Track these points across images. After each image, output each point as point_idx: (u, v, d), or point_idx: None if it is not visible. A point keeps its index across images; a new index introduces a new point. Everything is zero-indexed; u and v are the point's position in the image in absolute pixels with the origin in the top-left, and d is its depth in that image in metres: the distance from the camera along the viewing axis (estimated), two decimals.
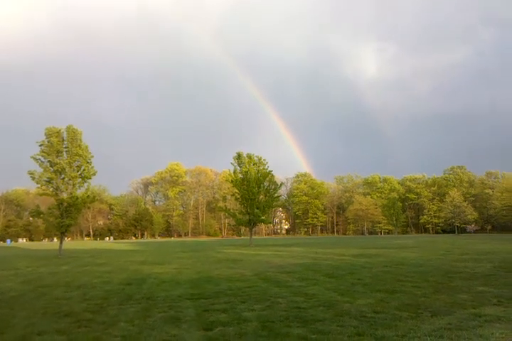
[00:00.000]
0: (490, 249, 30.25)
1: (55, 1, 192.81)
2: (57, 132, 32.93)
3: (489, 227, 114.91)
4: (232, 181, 48.33)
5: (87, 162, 33.67)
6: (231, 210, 53.27)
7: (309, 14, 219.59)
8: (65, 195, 32.78)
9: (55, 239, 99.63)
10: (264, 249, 37.30)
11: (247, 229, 56.85)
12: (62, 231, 34.34)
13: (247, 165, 47.37)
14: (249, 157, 48.04)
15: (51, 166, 32.38)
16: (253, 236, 52.10)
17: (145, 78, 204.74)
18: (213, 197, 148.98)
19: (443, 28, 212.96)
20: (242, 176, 47.20)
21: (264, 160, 48.47)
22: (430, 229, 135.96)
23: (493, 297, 9.76)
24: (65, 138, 33.21)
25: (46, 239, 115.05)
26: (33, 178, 32.17)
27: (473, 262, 18.90)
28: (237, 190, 48.04)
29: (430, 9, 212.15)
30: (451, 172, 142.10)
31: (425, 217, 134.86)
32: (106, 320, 8.26)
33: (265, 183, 48.29)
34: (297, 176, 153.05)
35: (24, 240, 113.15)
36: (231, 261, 23.63)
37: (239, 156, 48.04)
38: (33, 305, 10.24)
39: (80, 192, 33.73)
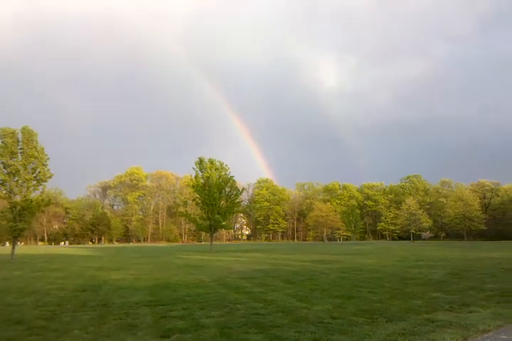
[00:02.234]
0: (443, 255, 31.25)
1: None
2: (12, 133, 31.80)
3: (443, 235, 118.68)
4: (193, 186, 47.98)
5: (43, 164, 32.67)
6: (192, 215, 52.76)
7: (274, 22, 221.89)
8: (18, 198, 31.64)
9: (8, 244, 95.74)
10: (224, 255, 37.18)
11: (208, 234, 56.47)
12: (15, 236, 33.10)
13: (209, 171, 47.19)
14: (211, 162, 47.90)
15: (4, 168, 31.22)
16: (214, 242, 51.85)
17: (105, 79, 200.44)
18: (174, 202, 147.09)
19: (401, 41, 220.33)
20: (203, 181, 46.96)
21: (226, 165, 48.46)
22: (387, 235, 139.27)
23: (446, 303, 10.08)
24: (20, 140, 32.13)
25: None
26: None
27: (428, 268, 19.48)
28: (198, 195, 47.73)
29: (390, 23, 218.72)
30: (407, 180, 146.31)
31: (382, 223, 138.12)
32: (59, 327, 8.02)
33: (227, 189, 48.20)
34: (259, 182, 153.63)
35: None
36: (191, 267, 23.43)
37: (201, 161, 47.82)
38: None
39: (34, 195, 32.66)
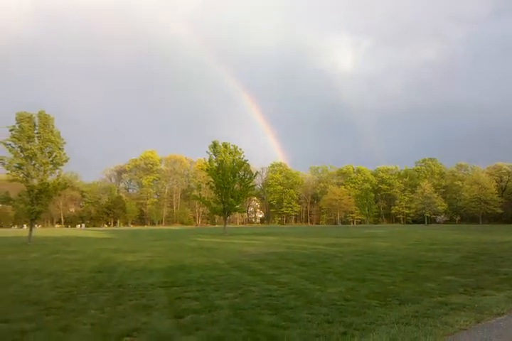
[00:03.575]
0: (458, 239, 31.06)
1: None
2: (29, 117, 32.14)
3: (458, 218, 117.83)
4: (207, 170, 48.15)
5: (59, 148, 33.03)
6: (206, 199, 53.16)
7: (286, 5, 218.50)
8: (35, 182, 32.12)
9: (25, 226, 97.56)
10: (238, 238, 37.43)
11: (222, 217, 56.85)
12: (32, 218, 33.75)
13: (223, 154, 47.23)
14: (225, 146, 47.89)
15: (22, 152, 31.63)
16: (227, 225, 52.18)
17: (120, 69, 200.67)
18: (188, 186, 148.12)
19: (416, 25, 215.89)
20: (217, 165, 47.06)
21: (239, 149, 48.44)
22: (401, 219, 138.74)
23: (460, 286, 10.03)
24: (36, 124, 32.43)
25: (16, 226, 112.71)
26: (3, 164, 31.40)
27: (442, 252, 19.39)
28: (212, 179, 47.92)
29: (406, 6, 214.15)
30: (423, 164, 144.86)
31: (396, 207, 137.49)
32: (76, 307, 8.17)
33: (240, 172, 48.29)
34: (272, 166, 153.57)
35: None
36: (205, 249, 23.64)
37: (215, 145, 47.84)
38: (2, 292, 10.04)
39: (51, 178, 33.13)
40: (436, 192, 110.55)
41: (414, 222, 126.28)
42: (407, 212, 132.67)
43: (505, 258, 16.02)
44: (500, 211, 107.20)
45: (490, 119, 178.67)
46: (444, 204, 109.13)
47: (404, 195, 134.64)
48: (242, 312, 7.62)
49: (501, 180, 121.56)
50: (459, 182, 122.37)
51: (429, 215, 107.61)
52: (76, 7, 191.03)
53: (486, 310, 7.51)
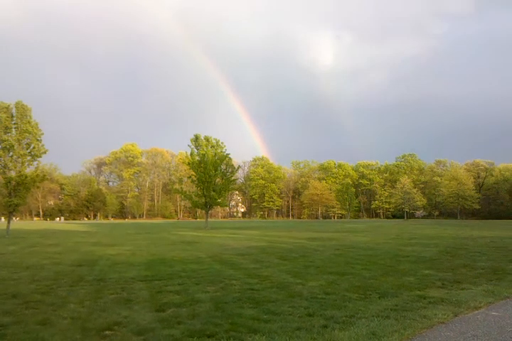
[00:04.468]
0: (436, 234, 31.60)
1: None
2: (6, 108, 31.45)
3: (436, 213, 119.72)
4: (189, 163, 47.93)
5: (37, 140, 32.40)
6: (187, 192, 52.89)
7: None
8: (13, 174, 31.50)
9: (3, 219, 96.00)
10: (219, 232, 37.45)
11: (203, 211, 56.71)
12: (10, 211, 33.15)
13: (205, 148, 47.10)
14: (207, 139, 47.75)
15: None
16: (209, 219, 52.15)
17: (100, 58, 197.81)
18: (169, 179, 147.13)
19: (398, 20, 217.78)
20: (199, 158, 46.86)
21: (221, 143, 48.35)
22: (381, 214, 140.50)
23: (438, 280, 10.22)
24: (14, 115, 31.78)
25: None
26: None
27: (421, 246, 19.70)
28: (193, 173, 47.73)
29: (387, 1, 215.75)
30: (402, 159, 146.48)
31: (377, 202, 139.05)
32: (55, 301, 8.08)
33: (222, 166, 48.17)
34: (254, 160, 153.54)
35: None
36: (186, 243, 23.59)
37: (196, 138, 47.68)
38: None
39: (29, 170, 32.52)
40: (415, 188, 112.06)
41: (394, 216, 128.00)
42: (387, 207, 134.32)
43: (482, 253, 16.35)
44: (477, 207, 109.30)
45: (470, 116, 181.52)
46: (423, 199, 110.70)
47: (384, 190, 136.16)
48: (223, 305, 7.64)
49: (479, 177, 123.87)
50: (438, 178, 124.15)
51: (408, 210, 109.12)
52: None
53: (464, 303, 7.67)
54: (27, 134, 31.78)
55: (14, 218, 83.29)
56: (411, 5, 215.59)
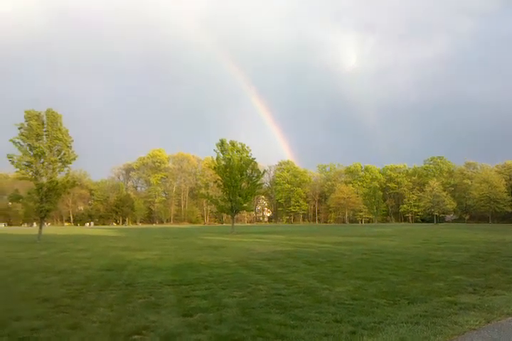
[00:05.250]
0: (467, 238, 30.87)
1: None
2: (37, 115, 32.34)
3: (467, 217, 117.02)
4: (214, 168, 48.21)
5: (68, 146, 33.22)
6: (213, 197, 53.24)
7: (295, 2, 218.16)
8: (44, 180, 32.33)
9: (35, 224, 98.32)
10: (245, 237, 37.47)
11: (229, 216, 56.91)
12: (42, 216, 33.98)
13: (230, 152, 47.24)
14: (233, 144, 47.89)
15: (30, 150, 31.85)
16: (235, 224, 52.24)
17: (129, 65, 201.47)
18: (196, 184, 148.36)
19: (422, 20, 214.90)
20: (224, 163, 47.06)
21: (247, 147, 48.38)
22: (410, 218, 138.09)
23: (469, 285, 9.97)
24: (44, 122, 32.63)
25: (25, 224, 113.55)
26: (12, 162, 31.59)
27: (451, 251, 19.28)
28: (219, 177, 47.93)
29: (411, 1, 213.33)
30: (431, 162, 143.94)
31: (405, 206, 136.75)
32: (85, 305, 8.22)
33: (248, 170, 48.23)
34: (280, 164, 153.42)
35: (3, 225, 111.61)
36: (213, 248, 23.68)
37: (222, 143, 47.85)
38: (12, 290, 10.15)
39: (60, 176, 33.32)
40: (445, 191, 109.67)
41: (423, 220, 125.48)
42: (416, 210, 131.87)
43: None
44: (509, 210, 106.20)
45: (499, 116, 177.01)
46: (453, 202, 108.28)
47: (413, 194, 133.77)
48: (250, 310, 7.63)
49: (510, 179, 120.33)
50: (468, 181, 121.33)
51: (437, 214, 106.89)
52: (85, 5, 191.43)
53: (496, 309, 7.46)
54: (57, 141, 32.60)
55: (45, 223, 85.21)
56: (435, 4, 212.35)
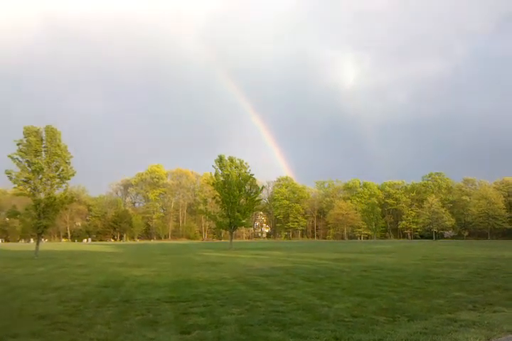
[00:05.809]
0: (466, 255, 30.75)
1: (44, 2, 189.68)
2: (36, 131, 32.42)
3: (466, 233, 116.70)
4: (213, 184, 48.23)
5: (66, 162, 33.23)
6: (212, 213, 53.13)
7: (295, 20, 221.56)
8: (42, 196, 32.25)
9: (32, 240, 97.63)
10: (244, 253, 37.27)
11: (228, 232, 56.70)
12: (39, 232, 33.78)
13: (229, 168, 47.32)
14: (231, 160, 48.01)
15: (29, 166, 31.82)
16: (233, 240, 52.00)
17: (125, 81, 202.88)
18: (194, 200, 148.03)
19: (419, 40, 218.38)
20: (223, 179, 47.11)
21: (245, 163, 48.51)
22: (408, 234, 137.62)
23: (469, 302, 9.91)
24: (43, 138, 32.71)
25: (23, 240, 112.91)
26: (10, 178, 31.50)
27: (450, 268, 19.19)
28: (218, 193, 47.92)
29: (408, 22, 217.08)
30: (429, 178, 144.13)
31: (404, 222, 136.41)
32: (82, 322, 8.15)
33: (246, 187, 48.24)
34: (278, 180, 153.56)
35: (0, 241, 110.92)
36: (211, 264, 23.54)
37: (220, 159, 47.97)
38: (8, 306, 10.06)
39: (58, 192, 33.24)
40: (443, 207, 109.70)
41: (422, 237, 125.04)
42: (415, 227, 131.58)
43: None
44: (508, 226, 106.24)
45: (497, 132, 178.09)
46: (451, 219, 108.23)
47: (412, 210, 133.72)
48: (248, 328, 7.57)
49: (509, 195, 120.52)
50: (467, 197, 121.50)
51: (436, 230, 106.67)
52: (87, 19, 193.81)
53: (496, 327, 7.39)
54: (56, 157, 32.63)
55: (43, 239, 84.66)
56: (433, 23, 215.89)
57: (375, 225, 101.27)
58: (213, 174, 48.60)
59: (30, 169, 31.84)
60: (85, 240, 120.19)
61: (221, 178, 47.31)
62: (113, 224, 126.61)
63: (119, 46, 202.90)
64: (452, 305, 9.55)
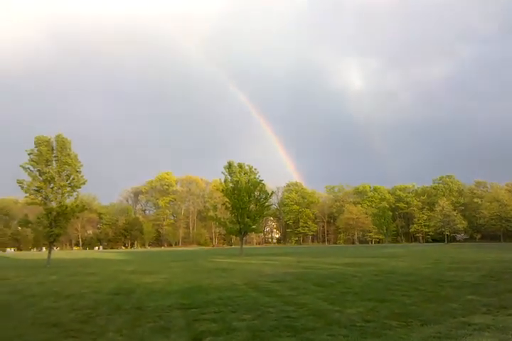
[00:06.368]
0: (479, 257, 30.41)
1: (45, 12, 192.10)
2: (47, 141, 32.75)
3: (478, 236, 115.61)
4: (222, 190, 48.21)
5: (77, 171, 33.48)
6: (222, 219, 53.05)
7: (300, 25, 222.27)
8: (54, 204, 32.51)
9: (44, 249, 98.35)
10: (254, 258, 37.19)
11: (238, 238, 56.65)
12: (51, 241, 34.04)
13: (238, 175, 47.32)
14: (240, 166, 48.01)
15: (40, 175, 32.13)
16: (244, 246, 51.91)
17: (133, 89, 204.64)
18: (204, 206, 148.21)
19: (425, 43, 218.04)
20: (232, 185, 47.09)
21: (254, 169, 48.44)
22: (420, 238, 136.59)
23: (482, 305, 9.80)
24: (54, 147, 33.02)
25: (35, 249, 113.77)
26: (22, 187, 31.84)
27: (463, 271, 18.99)
28: (227, 199, 47.91)
29: (411, 26, 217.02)
30: (440, 181, 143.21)
31: (415, 226, 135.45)
32: (94, 330, 8.18)
33: (256, 192, 48.14)
34: (288, 185, 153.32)
35: (12, 250, 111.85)
36: (222, 270, 23.52)
37: (230, 165, 48.00)
38: (21, 315, 10.12)
39: (69, 201, 33.47)
40: (455, 210, 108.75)
41: (434, 240, 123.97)
42: (426, 230, 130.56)
43: None
44: None
45: (507, 133, 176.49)
46: (463, 222, 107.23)
47: (423, 214, 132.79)
48: (260, 333, 7.54)
49: None
50: (478, 200, 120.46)
51: (448, 233, 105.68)
52: (94, 30, 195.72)
53: (511, 330, 7.31)
54: (67, 166, 32.90)
55: (54, 248, 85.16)
56: (438, 27, 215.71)
57: (386, 229, 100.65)
58: (223, 180, 48.62)
59: (41, 178, 32.16)
60: (96, 248, 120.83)
61: (230, 184, 47.28)
62: (124, 231, 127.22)
63: (129, 55, 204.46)
64: (466, 309, 9.44)
